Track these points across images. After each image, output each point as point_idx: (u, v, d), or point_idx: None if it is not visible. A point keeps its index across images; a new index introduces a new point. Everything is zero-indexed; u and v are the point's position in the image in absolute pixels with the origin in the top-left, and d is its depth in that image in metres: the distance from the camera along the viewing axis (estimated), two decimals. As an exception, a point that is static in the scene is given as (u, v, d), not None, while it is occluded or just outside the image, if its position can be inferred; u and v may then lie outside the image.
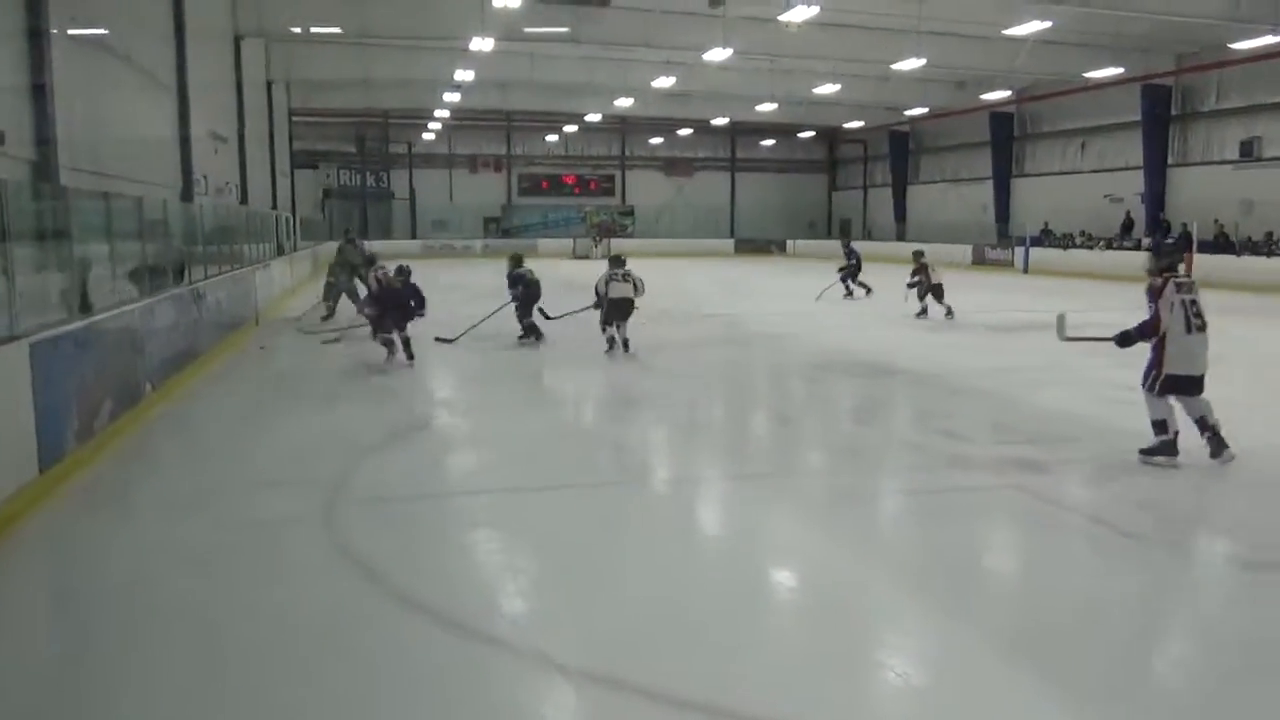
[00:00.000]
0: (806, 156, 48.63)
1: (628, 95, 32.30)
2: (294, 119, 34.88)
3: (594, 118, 38.82)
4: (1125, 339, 6.56)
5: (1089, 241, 29.99)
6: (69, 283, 7.18)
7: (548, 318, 13.30)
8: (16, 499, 5.42)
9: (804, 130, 43.97)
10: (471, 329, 13.40)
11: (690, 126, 42.93)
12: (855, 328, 15.03)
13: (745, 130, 44.92)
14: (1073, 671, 3.73)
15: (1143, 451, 6.54)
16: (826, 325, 15.19)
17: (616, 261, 12.23)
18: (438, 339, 12.97)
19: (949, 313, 15.54)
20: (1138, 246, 27.57)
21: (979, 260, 32.88)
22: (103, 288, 8.08)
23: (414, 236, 41.59)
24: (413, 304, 11.35)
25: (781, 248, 43.89)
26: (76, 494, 5.98)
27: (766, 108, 34.02)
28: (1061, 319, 7.18)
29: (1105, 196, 30.79)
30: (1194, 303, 6.42)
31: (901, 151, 42.42)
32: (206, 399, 9.30)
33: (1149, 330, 6.43)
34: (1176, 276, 6.47)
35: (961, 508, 5.77)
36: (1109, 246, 28.45)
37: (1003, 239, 33.78)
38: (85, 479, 6.27)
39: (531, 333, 12.92)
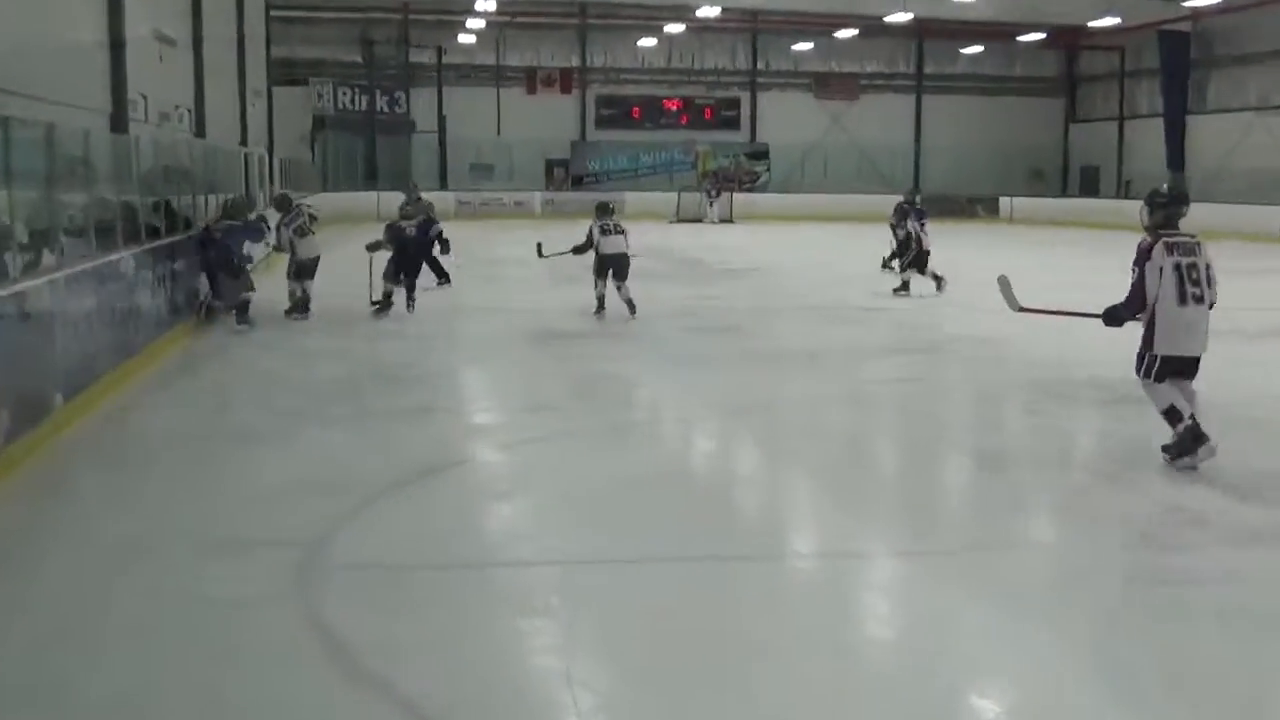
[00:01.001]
0: (1031, 72, 47.97)
1: (760, -21, 32.36)
2: (273, 14, 35.91)
3: (710, 13, 38.87)
4: (1112, 315, 7.83)
5: None
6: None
7: (542, 255, 16.07)
8: None
9: (1027, 32, 43.31)
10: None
11: (854, 25, 42.70)
12: (1099, 330, 14.70)
13: (937, 31, 44.50)
14: None
15: (1165, 449, 7.78)
16: (1057, 325, 14.89)
17: (605, 210, 15.17)
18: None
19: (930, 278, 18.01)
20: None
21: (1303, 229, 31.89)
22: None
23: (444, 186, 41.91)
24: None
25: (992, 208, 43.27)
26: (-46, 548, 6.22)
27: (970, -3, 33.66)
28: (1005, 283, 8.38)
29: None
30: (1192, 267, 7.48)
31: (1179, 64, 41.46)
32: (143, 416, 9.60)
33: (1135, 304, 7.63)
34: (1170, 235, 7.59)
35: (1247, 606, 5.61)
36: None
37: (1342, 197, 32.71)
38: (-33, 527, 6.52)
39: (385, 305, 15.26)
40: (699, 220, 38.27)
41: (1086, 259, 25.78)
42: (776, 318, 15.86)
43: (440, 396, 10.79)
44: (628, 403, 10.83)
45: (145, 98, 18.87)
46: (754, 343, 13.68)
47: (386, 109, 43.16)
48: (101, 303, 10.13)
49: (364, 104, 42.53)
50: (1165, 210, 7.69)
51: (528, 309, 15.66)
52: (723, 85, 46.89)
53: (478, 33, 42.95)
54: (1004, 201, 43.20)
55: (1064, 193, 46.24)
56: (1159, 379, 7.64)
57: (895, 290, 18.05)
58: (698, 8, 38.39)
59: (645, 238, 24.26)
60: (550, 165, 45.19)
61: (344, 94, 42.25)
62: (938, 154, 46.78)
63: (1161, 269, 7.44)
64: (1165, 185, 7.95)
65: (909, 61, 47.36)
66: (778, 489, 8.07)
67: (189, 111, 22.96)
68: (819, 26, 43.55)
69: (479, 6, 38.35)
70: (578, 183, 44.81)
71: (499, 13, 39.86)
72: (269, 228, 15.91)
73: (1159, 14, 38.10)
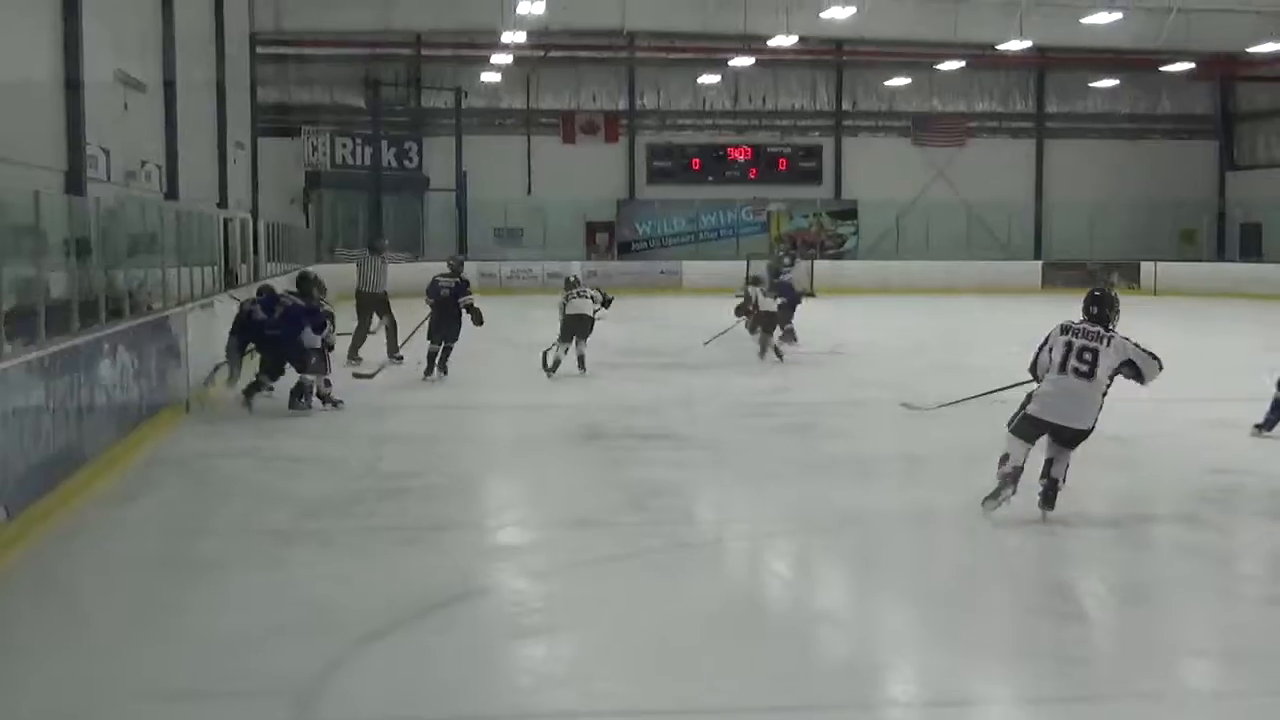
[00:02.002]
0: (1177, 109, 48.12)
1: (846, 1, 32.53)
2: (259, 51, 36.41)
3: (784, 42, 39.13)
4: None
5: None
6: None
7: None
8: None
9: (1173, 61, 43.32)
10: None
11: (960, 56, 42.90)
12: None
13: (1063, 62, 44.69)
14: None
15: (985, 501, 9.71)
16: (1222, 418, 14.75)
17: (570, 284, 18.81)
18: (356, 375, 17.02)
19: (774, 350, 20.56)
20: None
21: None
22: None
23: (463, 254, 41.97)
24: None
25: (1131, 276, 42.99)
26: None
27: (1103, 19, 33.75)
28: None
29: None
30: (1084, 349, 9.53)
31: (1361, 98, 41.34)
32: (96, 537, 9.59)
33: (1031, 373, 9.99)
34: (1078, 321, 9.75)
35: None
36: None
37: None
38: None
39: (440, 365, 17.78)
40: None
41: (1252, 337, 25.50)
42: (868, 414, 15.74)
43: (456, 510, 10.76)
44: (689, 519, 10.72)
45: (108, 152, 19.10)
46: (841, 445, 13.56)
47: (394, 163, 43.41)
48: (51, 401, 10.13)
49: (367, 157, 42.67)
50: (1085, 308, 9.88)
51: (569, 404, 15.64)
52: (800, 130, 47.17)
53: (504, 70, 43.25)
54: (1146, 268, 42.85)
55: (1220, 256, 45.91)
56: (1016, 432, 9.68)
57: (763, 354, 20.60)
58: (770, 37, 38.62)
59: (704, 317, 24.30)
60: (592, 229, 45.39)
61: (343, 146, 42.56)
62: (1064, 211, 46.70)
63: (1052, 347, 9.73)
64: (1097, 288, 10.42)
65: (1027, 99, 47.56)
66: (871, 624, 7.95)
67: (158, 168, 23.25)
68: (917, 58, 43.77)
69: (506, 39, 38.65)
70: (625, 250, 44.88)
71: (530, 45, 40.12)
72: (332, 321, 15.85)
73: (1335, 38, 38.05)
